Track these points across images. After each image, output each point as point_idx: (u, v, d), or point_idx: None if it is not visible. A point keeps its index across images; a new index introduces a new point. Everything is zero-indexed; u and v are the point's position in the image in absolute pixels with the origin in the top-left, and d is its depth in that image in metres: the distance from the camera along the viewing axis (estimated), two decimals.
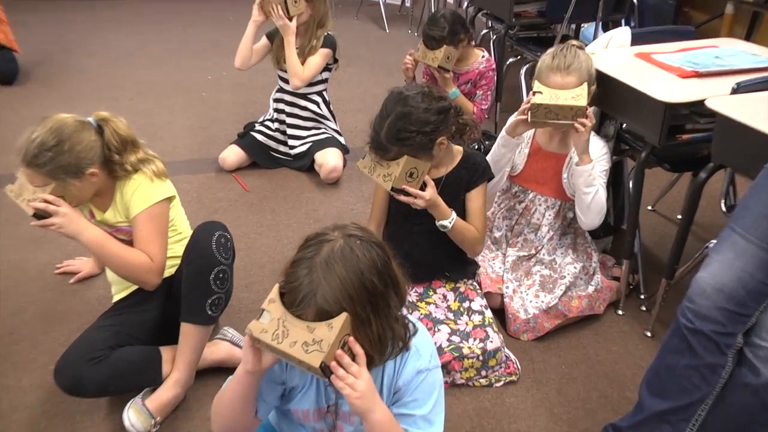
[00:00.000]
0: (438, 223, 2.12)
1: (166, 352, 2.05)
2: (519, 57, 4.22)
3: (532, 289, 2.44)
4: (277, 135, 3.51)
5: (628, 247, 2.48)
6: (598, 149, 2.40)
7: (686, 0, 5.02)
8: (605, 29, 3.95)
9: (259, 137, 3.51)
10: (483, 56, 3.37)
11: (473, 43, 3.42)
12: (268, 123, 3.52)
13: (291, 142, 3.48)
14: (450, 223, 2.11)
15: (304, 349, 1.26)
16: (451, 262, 2.34)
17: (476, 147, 3.56)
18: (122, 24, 6.11)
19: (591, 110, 2.28)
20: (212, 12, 6.63)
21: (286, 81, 3.33)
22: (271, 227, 3.02)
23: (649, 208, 3.22)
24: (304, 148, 3.45)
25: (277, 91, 3.46)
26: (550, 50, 2.31)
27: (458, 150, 2.19)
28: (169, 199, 2.03)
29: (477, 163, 2.19)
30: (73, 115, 1.92)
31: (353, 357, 1.31)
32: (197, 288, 1.96)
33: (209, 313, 1.98)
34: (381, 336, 1.34)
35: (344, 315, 1.26)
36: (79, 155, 1.86)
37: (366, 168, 2.06)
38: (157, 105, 4.28)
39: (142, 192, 1.96)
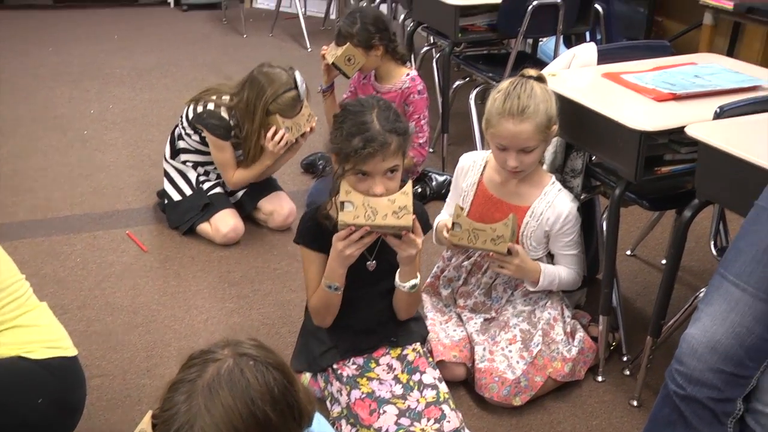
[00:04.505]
0: (408, 284, 2.25)
1: None
2: (467, 79, 4.33)
3: (514, 345, 2.48)
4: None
5: (606, 301, 2.55)
6: (563, 215, 2.47)
7: (660, 8, 5.27)
8: (567, 44, 4.10)
9: (219, 189, 3.48)
10: (408, 74, 3.43)
11: (407, 62, 3.49)
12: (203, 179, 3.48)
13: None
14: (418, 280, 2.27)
15: None
16: (399, 324, 2.43)
17: (418, 189, 3.63)
18: None
19: (552, 146, 2.35)
20: (91, 27, 6.55)
21: None
22: (177, 295, 3.00)
23: (628, 253, 3.33)
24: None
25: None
26: (501, 86, 2.36)
27: None
28: None
29: (419, 215, 2.22)
30: None
31: None
32: None
33: None
34: None
35: None
36: None
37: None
38: (25, 147, 4.23)
39: None
